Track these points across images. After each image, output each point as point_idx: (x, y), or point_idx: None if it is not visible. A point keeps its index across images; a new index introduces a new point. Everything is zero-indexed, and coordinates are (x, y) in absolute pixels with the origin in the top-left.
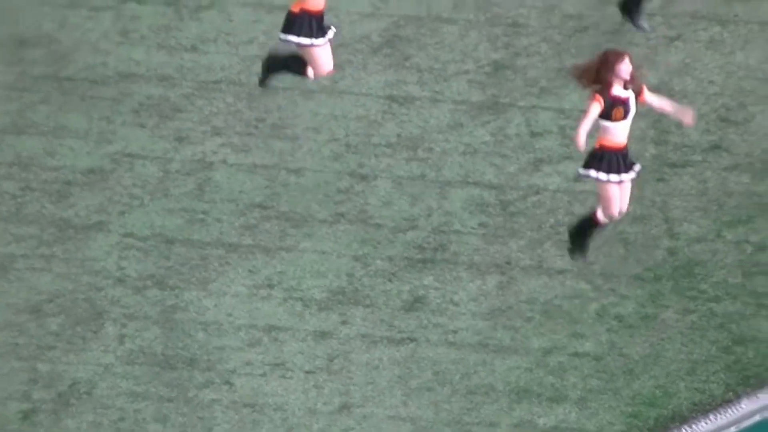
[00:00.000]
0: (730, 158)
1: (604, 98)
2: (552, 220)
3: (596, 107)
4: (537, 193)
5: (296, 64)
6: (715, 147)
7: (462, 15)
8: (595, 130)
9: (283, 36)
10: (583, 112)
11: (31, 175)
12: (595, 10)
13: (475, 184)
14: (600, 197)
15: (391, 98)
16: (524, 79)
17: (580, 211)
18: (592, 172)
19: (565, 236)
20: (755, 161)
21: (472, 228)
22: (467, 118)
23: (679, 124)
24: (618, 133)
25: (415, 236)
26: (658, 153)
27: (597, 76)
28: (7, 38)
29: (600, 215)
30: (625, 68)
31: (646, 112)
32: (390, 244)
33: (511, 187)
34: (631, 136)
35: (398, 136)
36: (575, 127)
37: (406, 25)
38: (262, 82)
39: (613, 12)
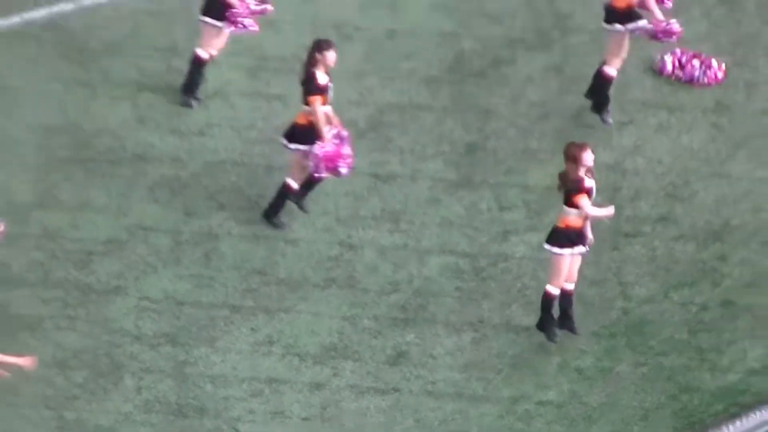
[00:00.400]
0: (676, 229)
1: (581, 191)
2: (519, 284)
3: (586, 199)
4: (506, 260)
5: (283, 198)
6: (663, 219)
7: (439, 103)
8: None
9: (286, 143)
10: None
11: (57, 245)
12: (556, 98)
13: (451, 252)
14: (553, 268)
15: (376, 176)
16: (494, 159)
17: (544, 276)
18: (556, 249)
19: (531, 299)
20: (699, 232)
21: (449, 291)
22: (443, 194)
23: (631, 199)
24: (581, 215)
25: (398, 298)
26: (613, 224)
27: (567, 174)
28: (36, 125)
29: (550, 289)
30: (588, 156)
31: (602, 189)
32: (376, 305)
33: (483, 255)
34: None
35: (382, 210)
36: (539, 202)
37: (389, 112)
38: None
39: (573, 100)
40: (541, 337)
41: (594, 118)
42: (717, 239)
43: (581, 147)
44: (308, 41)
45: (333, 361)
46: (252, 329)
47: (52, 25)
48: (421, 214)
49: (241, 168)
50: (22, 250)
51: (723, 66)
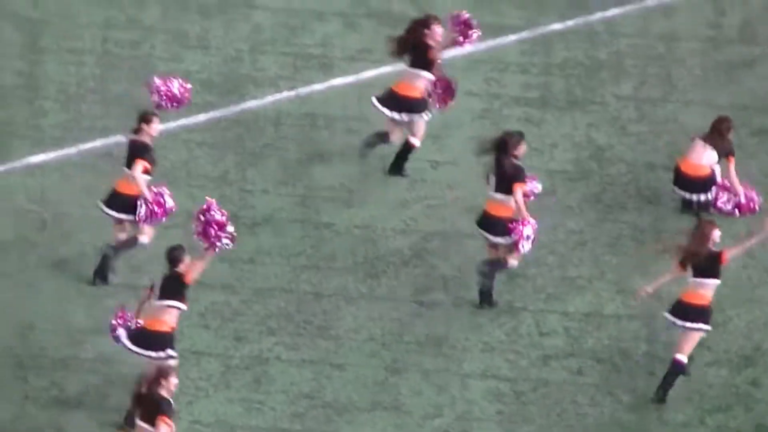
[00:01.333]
0: (710, 355)
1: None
2: (559, 409)
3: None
4: (546, 385)
5: None
6: (698, 344)
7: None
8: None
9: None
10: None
11: (113, 369)
12: (594, 226)
13: (493, 376)
14: (691, 342)
15: (419, 303)
16: (534, 286)
17: (583, 401)
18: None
19: (570, 423)
20: (732, 357)
21: (490, 415)
22: (485, 320)
23: (667, 326)
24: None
25: (441, 422)
26: (649, 350)
27: (693, 246)
28: (91, 251)
29: (683, 359)
30: (717, 234)
31: (639, 315)
32: (419, 429)
33: (524, 379)
34: (626, 335)
35: (426, 335)
36: (578, 328)
37: (432, 240)
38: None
39: (610, 228)
40: None
41: (631, 248)
42: (750, 364)
43: (713, 225)
44: (354, 171)
45: None
46: None
47: (107, 154)
48: (463, 339)
49: (289, 295)
50: (78, 373)
51: (756, 197)
